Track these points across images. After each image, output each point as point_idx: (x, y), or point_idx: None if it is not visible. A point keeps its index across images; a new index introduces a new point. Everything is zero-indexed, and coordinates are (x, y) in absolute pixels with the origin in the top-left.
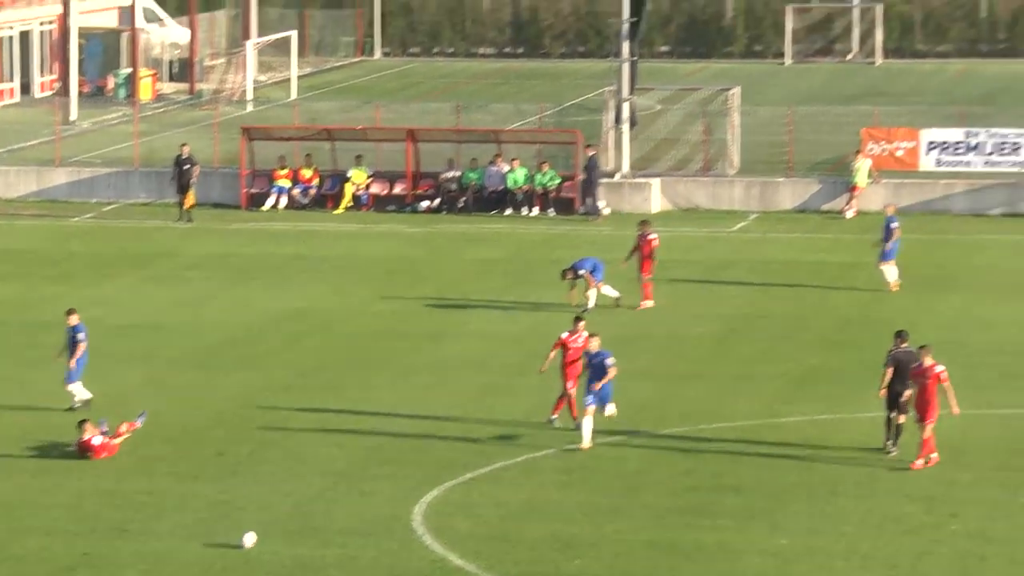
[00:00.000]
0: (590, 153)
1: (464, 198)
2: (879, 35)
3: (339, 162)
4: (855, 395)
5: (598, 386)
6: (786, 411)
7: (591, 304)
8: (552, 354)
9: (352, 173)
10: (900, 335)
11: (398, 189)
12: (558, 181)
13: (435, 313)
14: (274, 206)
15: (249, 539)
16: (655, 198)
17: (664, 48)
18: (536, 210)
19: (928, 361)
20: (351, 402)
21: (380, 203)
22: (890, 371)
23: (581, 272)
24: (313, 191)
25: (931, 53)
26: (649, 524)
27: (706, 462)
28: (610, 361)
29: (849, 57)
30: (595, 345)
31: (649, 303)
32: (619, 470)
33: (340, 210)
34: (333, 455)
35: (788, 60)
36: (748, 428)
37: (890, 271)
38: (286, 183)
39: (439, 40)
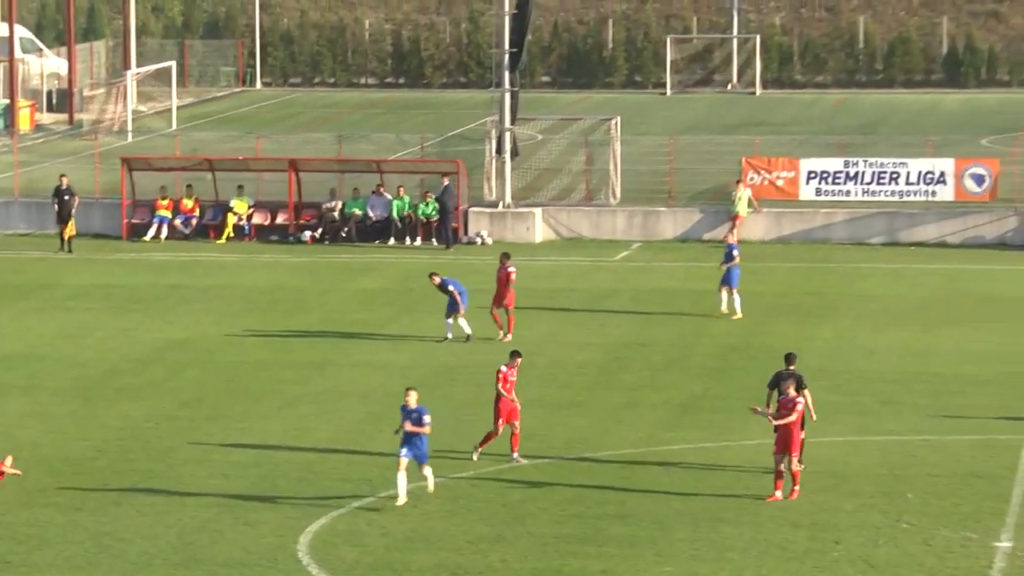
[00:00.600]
0: (445, 182)
1: (347, 228)
2: (758, 65)
3: (221, 192)
4: (739, 422)
5: (409, 428)
6: (670, 439)
7: (469, 330)
8: (499, 388)
9: (234, 203)
10: (789, 357)
11: (280, 219)
12: (433, 213)
13: (319, 343)
14: (155, 236)
15: None
16: (538, 227)
17: (545, 78)
18: (419, 240)
19: (792, 392)
20: (235, 432)
21: (263, 233)
22: (775, 392)
23: (450, 288)
24: (195, 221)
25: (810, 83)
26: (534, 552)
27: (591, 490)
28: (427, 419)
29: (729, 87)
30: (413, 400)
31: (502, 333)
32: (504, 499)
33: (222, 240)
34: (217, 486)
35: (669, 90)
36: (632, 456)
37: (724, 297)
38: (167, 213)
39: (320, 70)
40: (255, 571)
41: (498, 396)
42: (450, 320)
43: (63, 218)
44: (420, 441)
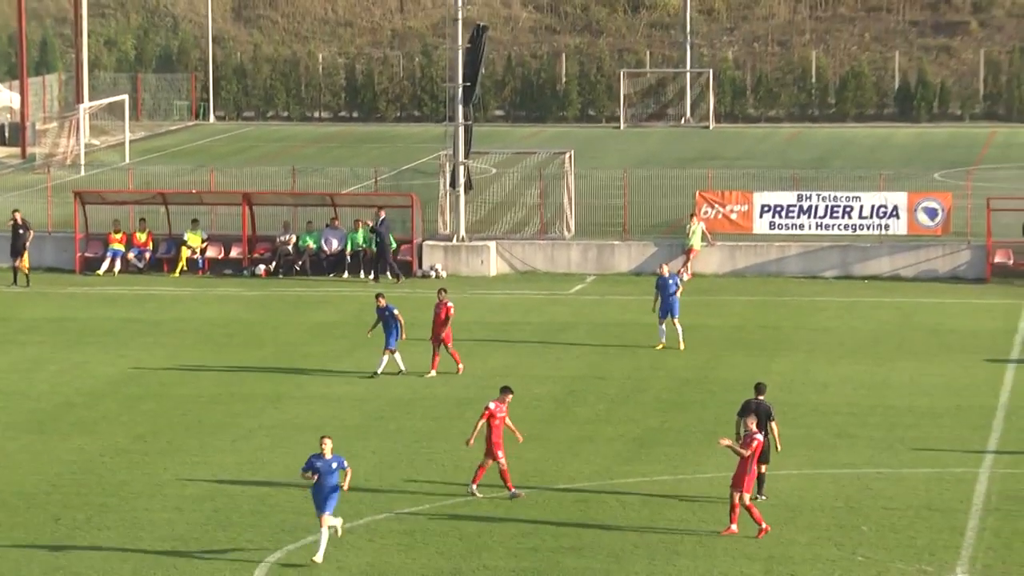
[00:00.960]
0: (381, 215)
1: (301, 261)
2: (711, 100)
3: (174, 226)
4: (694, 456)
5: (345, 486)
6: (626, 472)
7: (379, 369)
8: (480, 424)
9: (188, 237)
10: (759, 387)
11: (234, 253)
12: (394, 245)
13: (273, 376)
14: (109, 270)
15: None
16: (492, 261)
17: (499, 112)
18: (373, 273)
19: (752, 427)
20: (189, 466)
21: (216, 267)
22: (743, 421)
23: (395, 312)
24: (148, 255)
25: (763, 117)
26: None
27: (546, 523)
28: (346, 464)
29: (683, 121)
30: (328, 450)
31: (433, 373)
32: (460, 532)
33: (176, 274)
34: (172, 519)
35: (623, 124)
36: (588, 489)
37: (665, 329)
38: (120, 247)
39: (273, 104)
40: None
41: (489, 432)
42: (393, 351)
43: (17, 251)
44: (328, 490)
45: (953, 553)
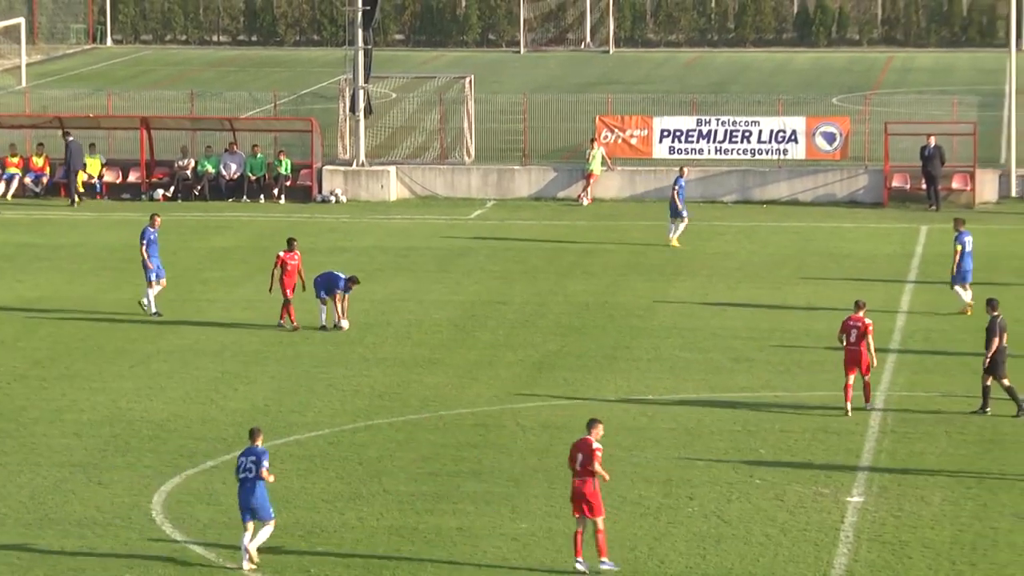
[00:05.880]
0: (69, 138)
1: (200, 186)
2: (611, 24)
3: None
4: (593, 379)
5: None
6: (526, 396)
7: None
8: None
9: (86, 161)
10: (993, 304)
11: (132, 177)
12: (286, 171)
13: (172, 302)
14: (4, 194)
15: None
16: (392, 186)
17: (399, 36)
18: (282, 198)
19: None
20: (87, 391)
21: (114, 191)
22: (997, 339)
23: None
24: (45, 179)
25: (662, 42)
26: (391, 510)
27: (446, 448)
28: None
29: (583, 46)
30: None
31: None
32: (360, 456)
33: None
34: (70, 445)
35: (523, 49)
36: (488, 414)
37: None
38: (17, 171)
39: (171, 27)
40: (109, 530)
41: (851, 350)
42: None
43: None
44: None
45: (849, 475)
